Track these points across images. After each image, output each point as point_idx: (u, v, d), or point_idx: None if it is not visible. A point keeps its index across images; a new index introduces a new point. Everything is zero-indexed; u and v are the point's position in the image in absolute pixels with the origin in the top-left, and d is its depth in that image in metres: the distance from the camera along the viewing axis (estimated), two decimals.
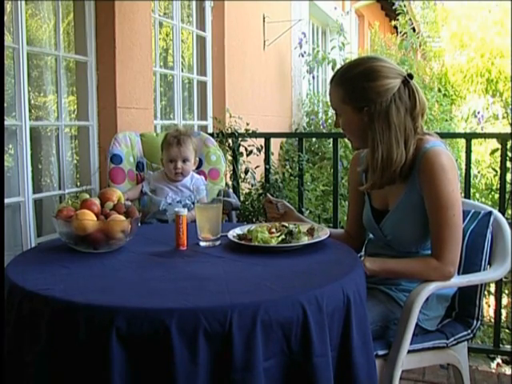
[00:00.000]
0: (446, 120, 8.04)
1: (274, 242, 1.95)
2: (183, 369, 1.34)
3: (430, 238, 2.02)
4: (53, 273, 1.72)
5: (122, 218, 1.97)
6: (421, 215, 2.00)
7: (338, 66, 2.54)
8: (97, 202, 2.02)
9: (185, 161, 3.03)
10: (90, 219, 1.91)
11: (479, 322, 2.19)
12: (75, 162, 3.67)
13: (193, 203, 2.94)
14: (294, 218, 2.30)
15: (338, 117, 2.09)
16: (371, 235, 2.30)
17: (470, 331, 2.17)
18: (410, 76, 2.00)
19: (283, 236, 1.98)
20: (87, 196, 2.07)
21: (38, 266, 1.79)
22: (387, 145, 1.96)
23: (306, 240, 1.98)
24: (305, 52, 7.30)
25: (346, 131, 2.09)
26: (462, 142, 6.79)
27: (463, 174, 3.25)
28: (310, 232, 2.05)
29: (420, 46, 8.67)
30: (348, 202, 2.44)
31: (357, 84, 1.98)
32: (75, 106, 3.64)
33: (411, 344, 1.98)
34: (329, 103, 7.94)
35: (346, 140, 6.07)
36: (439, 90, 9.21)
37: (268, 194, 2.39)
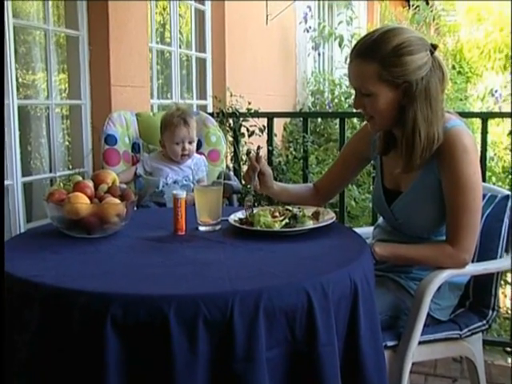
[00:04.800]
0: (461, 99, 8.02)
1: (277, 227, 1.95)
2: (182, 358, 1.35)
3: (443, 224, 2.03)
4: (43, 259, 1.73)
5: (117, 201, 1.97)
6: (436, 199, 2.00)
7: (346, 42, 2.48)
8: (90, 184, 2.03)
9: (191, 142, 3.05)
10: (83, 202, 1.92)
11: (495, 313, 2.19)
12: (67, 143, 3.67)
13: (192, 183, 2.95)
14: (267, 187, 2.26)
15: (361, 96, 1.99)
16: (379, 220, 2.31)
17: (485, 322, 2.18)
18: (434, 47, 1.96)
19: (287, 220, 1.99)
20: (80, 178, 2.08)
21: (27, 252, 1.80)
22: (428, 123, 1.93)
23: (310, 224, 1.98)
24: (310, 27, 7.27)
25: (374, 111, 1.99)
26: (477, 122, 6.75)
27: (479, 156, 3.24)
28: (315, 216, 2.06)
29: (433, 20, 8.62)
30: (335, 161, 2.43)
31: (397, 58, 1.89)
32: (66, 84, 3.64)
33: (422, 335, 1.98)
34: (335, 81, 7.84)
35: (354, 120, 6.02)
36: (453, 68, 9.19)
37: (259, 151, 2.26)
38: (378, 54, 1.90)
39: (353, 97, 2.06)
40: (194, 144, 3.09)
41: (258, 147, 2.23)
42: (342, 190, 2.94)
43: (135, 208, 2.17)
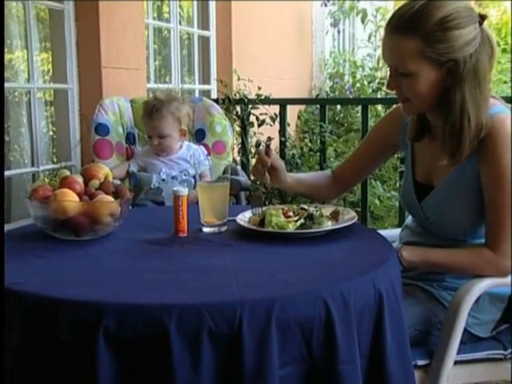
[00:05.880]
0: (505, 82, 7.97)
1: (291, 228, 1.96)
2: (184, 376, 1.35)
3: (482, 225, 2.01)
4: (26, 264, 1.74)
5: (111, 198, 1.98)
6: (474, 195, 1.98)
7: (370, 18, 2.46)
8: (79, 179, 2.04)
9: (162, 136, 3.08)
10: (71, 200, 1.92)
11: None
12: (51, 133, 3.70)
13: (193, 177, 2.98)
14: (280, 181, 2.27)
15: (397, 76, 1.97)
16: (407, 220, 2.31)
17: None
18: (483, 17, 1.92)
19: (302, 220, 1.99)
20: (68, 173, 2.09)
21: (7, 257, 1.77)
22: (477, 107, 1.90)
23: (329, 225, 1.99)
24: (328, 1, 7.27)
25: (412, 93, 1.97)
26: None
27: None
28: (334, 216, 2.07)
29: None
30: (357, 147, 2.45)
31: (442, 33, 1.86)
32: (50, 65, 3.65)
33: (459, 353, 1.96)
34: (357, 63, 7.80)
35: (379, 108, 6.00)
36: (498, 44, 9.12)
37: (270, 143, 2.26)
38: (421, 28, 1.87)
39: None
40: (170, 138, 3.11)
41: (269, 138, 2.23)
42: (362, 179, 2.88)
43: (130, 207, 2.18)
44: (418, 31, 1.87)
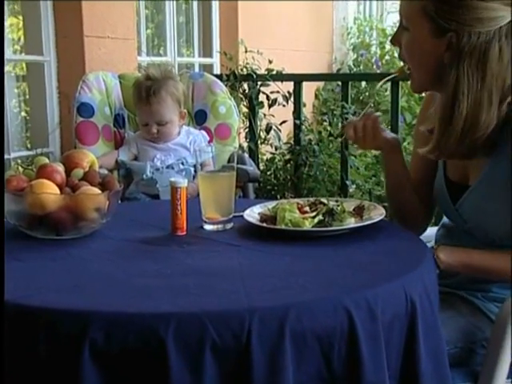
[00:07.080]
0: None
1: (307, 225, 1.97)
2: None
3: None
4: None
5: (97, 190, 1.98)
6: None
7: None
8: (60, 168, 2.05)
9: (160, 124, 3.11)
10: (50, 192, 1.93)
11: None
12: (24, 113, 3.69)
13: (193, 166, 2.99)
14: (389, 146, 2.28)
15: (402, 31, 2.00)
16: (445, 218, 2.30)
17: None
18: None
19: (320, 217, 1.99)
20: (46, 160, 2.10)
21: None
22: (475, 99, 1.87)
23: (352, 222, 1.99)
24: None
25: (407, 54, 2.01)
26: None
27: None
28: (358, 212, 2.08)
29: None
30: (412, 152, 2.44)
31: None
32: (21, 33, 3.64)
33: (509, 377, 1.94)
34: (387, 31, 7.85)
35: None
36: None
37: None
38: None
39: None
40: (171, 124, 3.15)
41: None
42: None
43: (120, 201, 2.20)
44: None
